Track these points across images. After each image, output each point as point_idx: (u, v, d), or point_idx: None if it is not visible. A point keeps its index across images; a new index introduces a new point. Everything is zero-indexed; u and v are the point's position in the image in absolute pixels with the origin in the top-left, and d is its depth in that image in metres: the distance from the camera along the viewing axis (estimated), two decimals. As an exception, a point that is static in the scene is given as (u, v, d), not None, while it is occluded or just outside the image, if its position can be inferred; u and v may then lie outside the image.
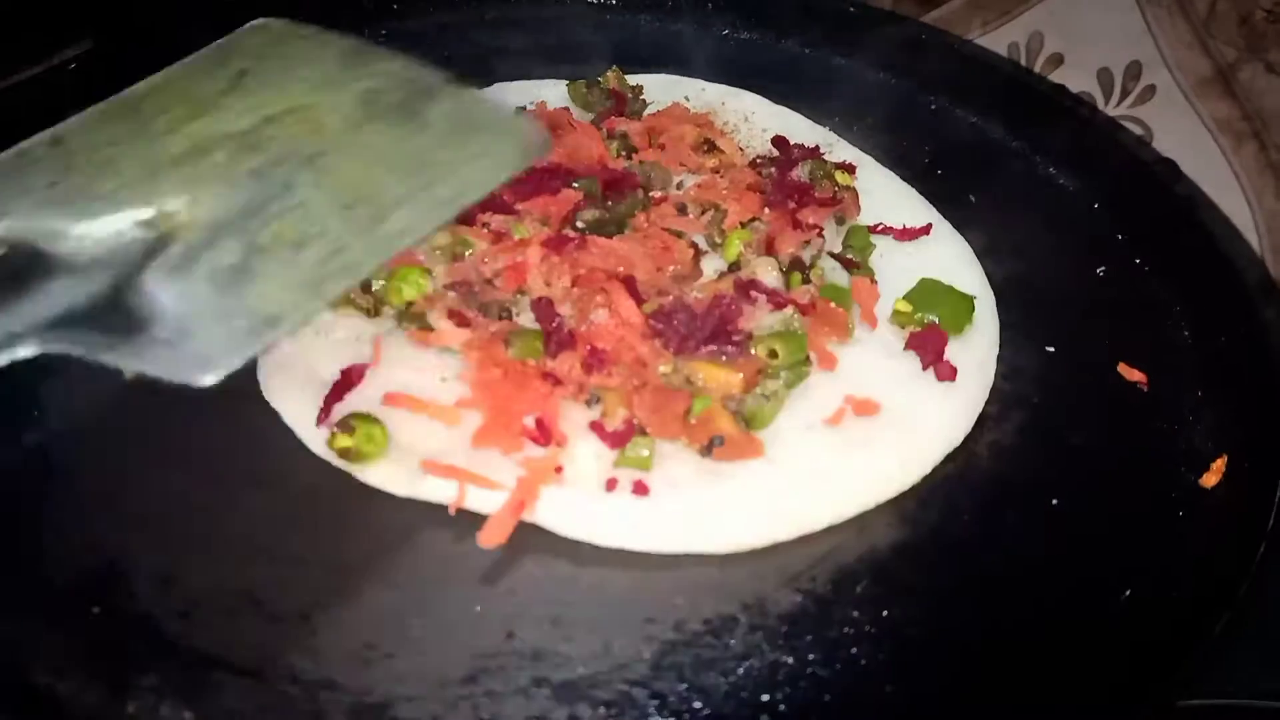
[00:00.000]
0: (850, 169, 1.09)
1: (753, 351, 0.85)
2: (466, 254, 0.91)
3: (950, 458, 0.85)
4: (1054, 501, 0.83)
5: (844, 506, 0.79)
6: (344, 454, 0.77)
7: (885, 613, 0.74)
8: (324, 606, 0.71)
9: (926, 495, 0.82)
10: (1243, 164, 1.49)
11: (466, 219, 0.94)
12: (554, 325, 0.85)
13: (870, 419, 0.85)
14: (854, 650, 0.72)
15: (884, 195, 1.08)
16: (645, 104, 1.18)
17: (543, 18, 1.38)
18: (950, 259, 1.01)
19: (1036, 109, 1.22)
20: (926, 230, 1.03)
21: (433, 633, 0.71)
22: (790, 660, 0.71)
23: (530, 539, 0.76)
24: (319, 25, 1.29)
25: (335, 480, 0.79)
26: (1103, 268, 1.05)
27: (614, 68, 1.20)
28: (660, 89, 1.20)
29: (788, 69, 1.31)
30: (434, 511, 0.77)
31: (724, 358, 0.84)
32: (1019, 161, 1.20)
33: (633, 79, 1.21)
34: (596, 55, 1.28)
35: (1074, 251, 1.07)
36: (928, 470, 0.83)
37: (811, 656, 0.71)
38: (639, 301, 0.87)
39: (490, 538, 0.74)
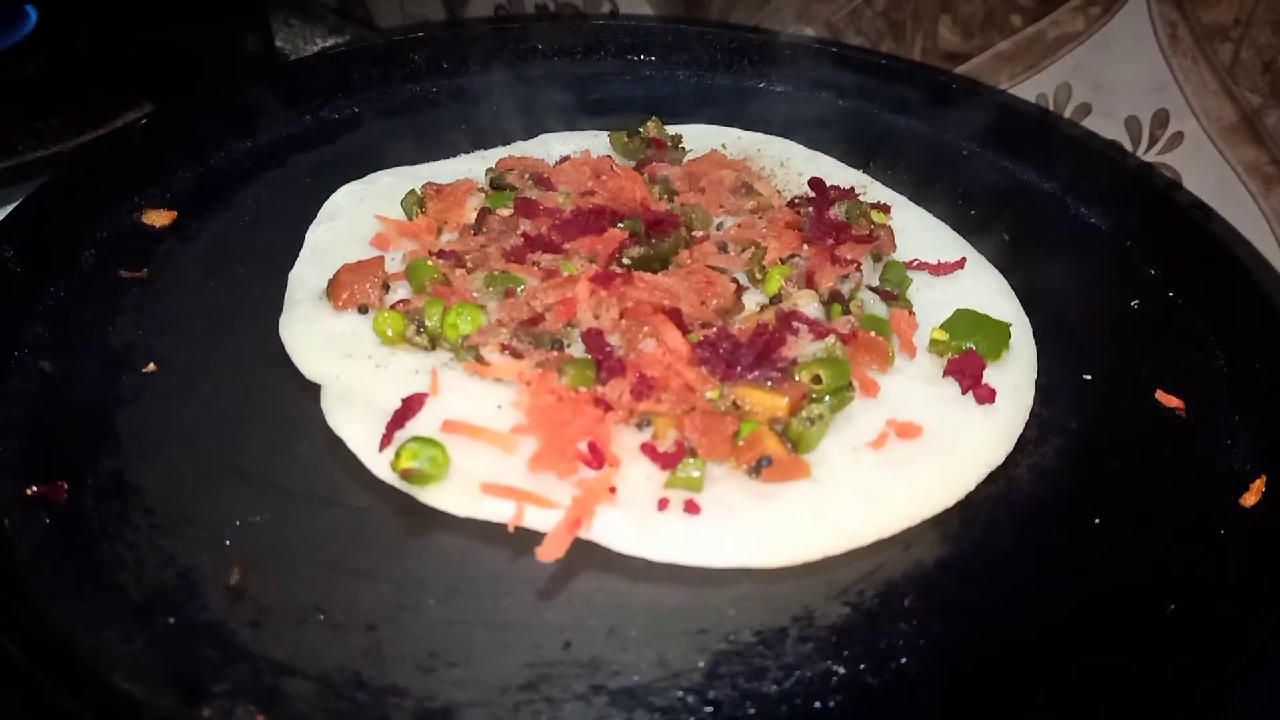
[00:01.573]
0: (885, 208, 1.12)
1: (797, 378, 0.87)
2: (518, 290, 0.95)
3: (992, 479, 0.87)
4: (1096, 520, 0.84)
5: (889, 523, 0.82)
6: (406, 475, 0.80)
7: (932, 625, 0.76)
8: (389, 618, 0.74)
9: (970, 514, 0.84)
10: (1272, 206, 1.51)
11: (517, 257, 0.98)
12: (604, 354, 0.88)
13: (912, 441, 0.87)
14: (903, 660, 0.73)
15: (918, 233, 1.11)
16: (684, 151, 1.22)
17: (585, 74, 1.44)
18: (985, 291, 1.03)
19: (1067, 153, 1.26)
20: (961, 264, 1.06)
21: (493, 642, 0.73)
22: (841, 670, 0.73)
23: (586, 555, 0.78)
24: (384, 82, 1.37)
25: (398, 501, 0.82)
26: (1136, 301, 1.08)
27: (653, 118, 1.24)
28: (697, 138, 1.25)
29: (821, 120, 1.35)
30: (493, 530, 0.80)
31: (769, 383, 0.87)
32: (1051, 203, 1.23)
33: (671, 129, 1.26)
34: (637, 108, 1.33)
35: (1108, 286, 1.10)
36: (970, 488, 0.85)
37: (862, 666, 0.73)
38: (684, 331, 0.90)
39: (548, 552, 0.77)
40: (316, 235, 1.07)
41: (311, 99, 1.32)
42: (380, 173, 1.16)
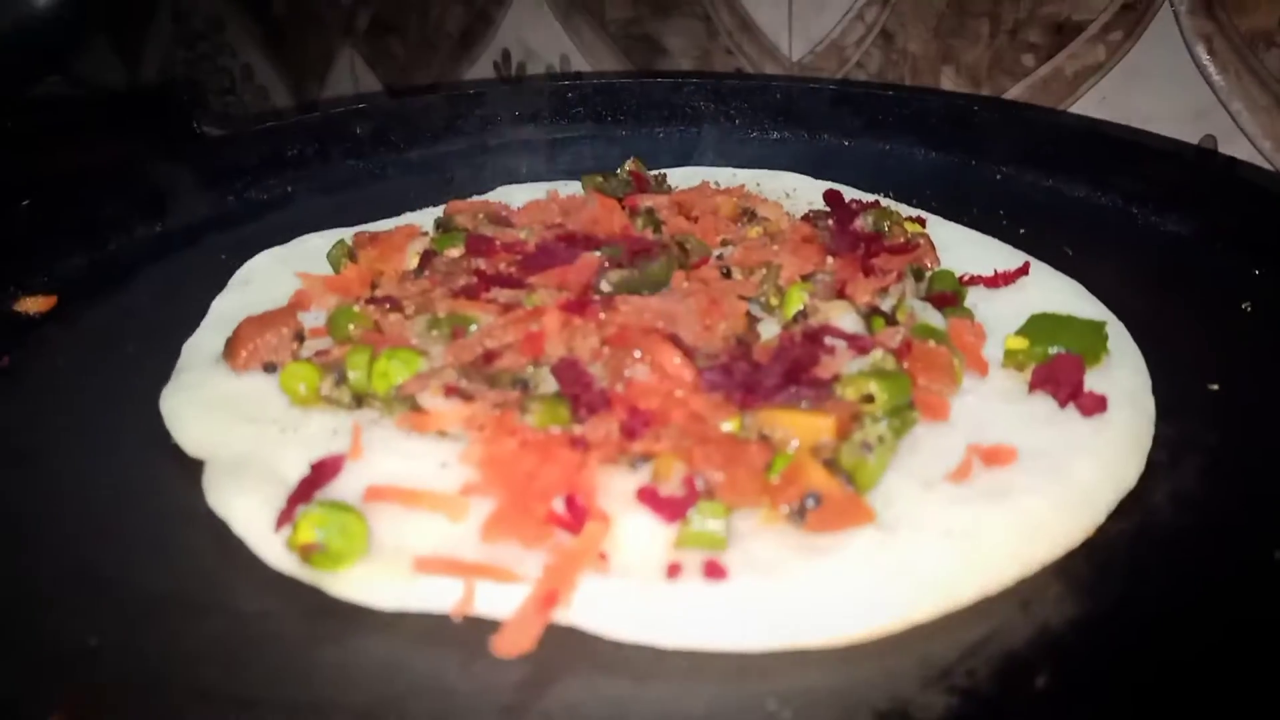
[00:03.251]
0: (920, 220, 0.92)
1: (840, 395, 0.65)
2: (469, 330, 0.73)
3: (1123, 513, 0.64)
4: (1278, 554, 0.60)
5: (995, 573, 0.58)
6: (308, 556, 0.57)
7: (1082, 712, 0.51)
8: (279, 762, 0.50)
9: (1103, 559, 0.61)
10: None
11: (470, 294, 0.77)
12: (583, 385, 0.66)
13: (1006, 469, 0.64)
14: (1051, 764, 0.49)
15: (963, 247, 0.91)
16: (671, 189, 1.03)
17: (552, 139, 1.26)
18: (1060, 297, 0.82)
19: (1122, 159, 1.06)
20: (1025, 270, 0.85)
21: (435, 786, 0.48)
22: (960, 784, 0.48)
23: (570, 649, 0.55)
24: (322, 158, 1.19)
25: (301, 601, 0.58)
26: (1247, 303, 0.86)
27: (633, 158, 1.05)
28: (685, 178, 1.05)
29: (826, 161, 1.16)
30: (435, 628, 0.56)
31: (804, 404, 0.64)
32: (1112, 214, 1.03)
33: (656, 172, 1.06)
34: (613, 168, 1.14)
35: (1207, 292, 0.89)
36: (1099, 519, 0.62)
37: (995, 776, 0.48)
38: (687, 355, 0.68)
39: (510, 644, 0.53)
40: (224, 303, 0.86)
41: (235, 178, 1.13)
42: (308, 235, 0.96)
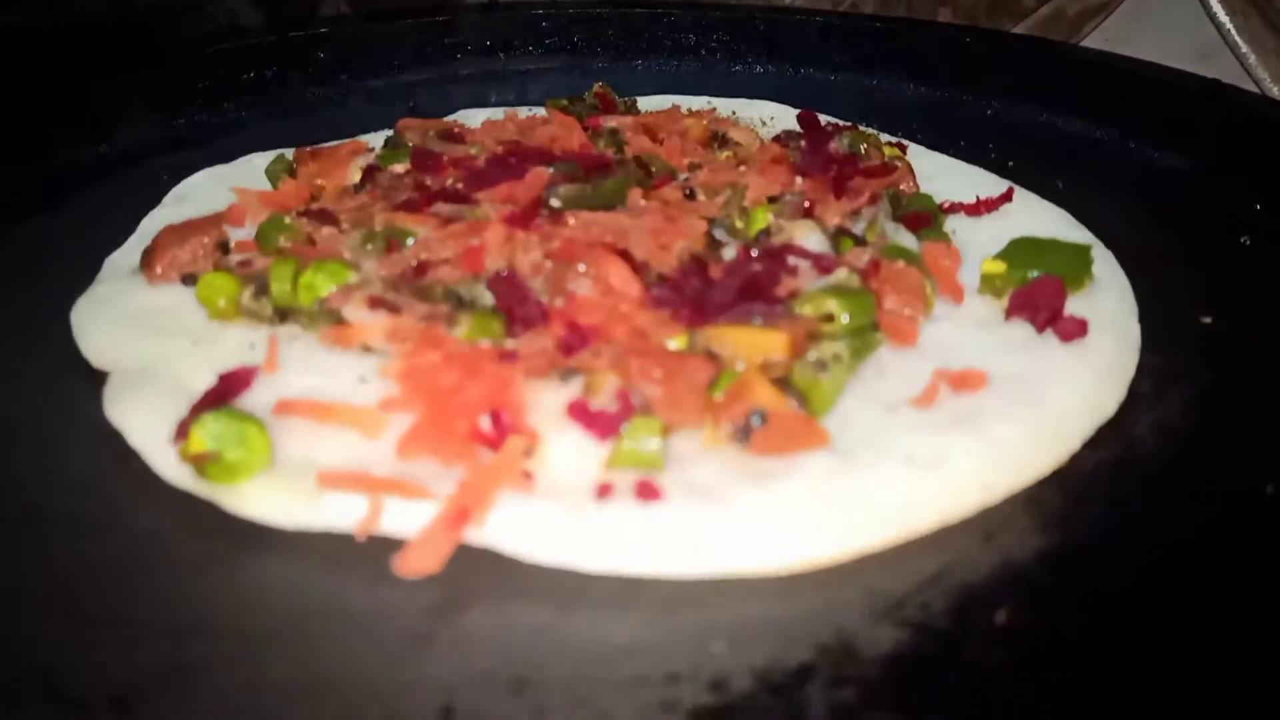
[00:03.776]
0: (901, 146, 0.87)
1: (798, 312, 0.60)
2: (405, 245, 0.68)
3: (1102, 442, 0.59)
4: (1270, 488, 0.55)
5: (956, 501, 0.53)
6: (200, 466, 0.52)
7: (1045, 651, 0.46)
8: (155, 686, 0.45)
9: (1078, 490, 0.56)
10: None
11: (410, 208, 0.72)
12: (519, 299, 0.61)
13: (976, 394, 0.59)
14: (1006, 703, 0.44)
15: (947, 176, 0.85)
16: (640, 112, 0.97)
17: (525, 69, 1.20)
18: (1045, 222, 0.77)
19: (1119, 91, 1.00)
20: (1008, 196, 0.80)
21: (329, 711, 0.44)
22: (906, 724, 0.43)
23: (484, 572, 0.50)
24: (280, 83, 1.13)
25: (198, 519, 0.53)
26: (1246, 237, 0.81)
27: (602, 83, 0.99)
28: (658, 105, 0.99)
29: (811, 96, 1.10)
30: (338, 549, 0.51)
31: (757, 321, 0.59)
32: (1107, 148, 0.98)
33: (627, 98, 1.01)
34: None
35: (1204, 226, 0.84)
36: (1073, 447, 0.57)
37: (948, 715, 0.43)
38: (636, 271, 0.63)
39: (413, 562, 0.48)
40: (155, 220, 0.80)
41: (186, 101, 1.08)
42: (254, 155, 0.91)
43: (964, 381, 0.59)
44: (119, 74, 1.09)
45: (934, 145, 0.94)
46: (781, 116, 0.97)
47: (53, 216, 0.89)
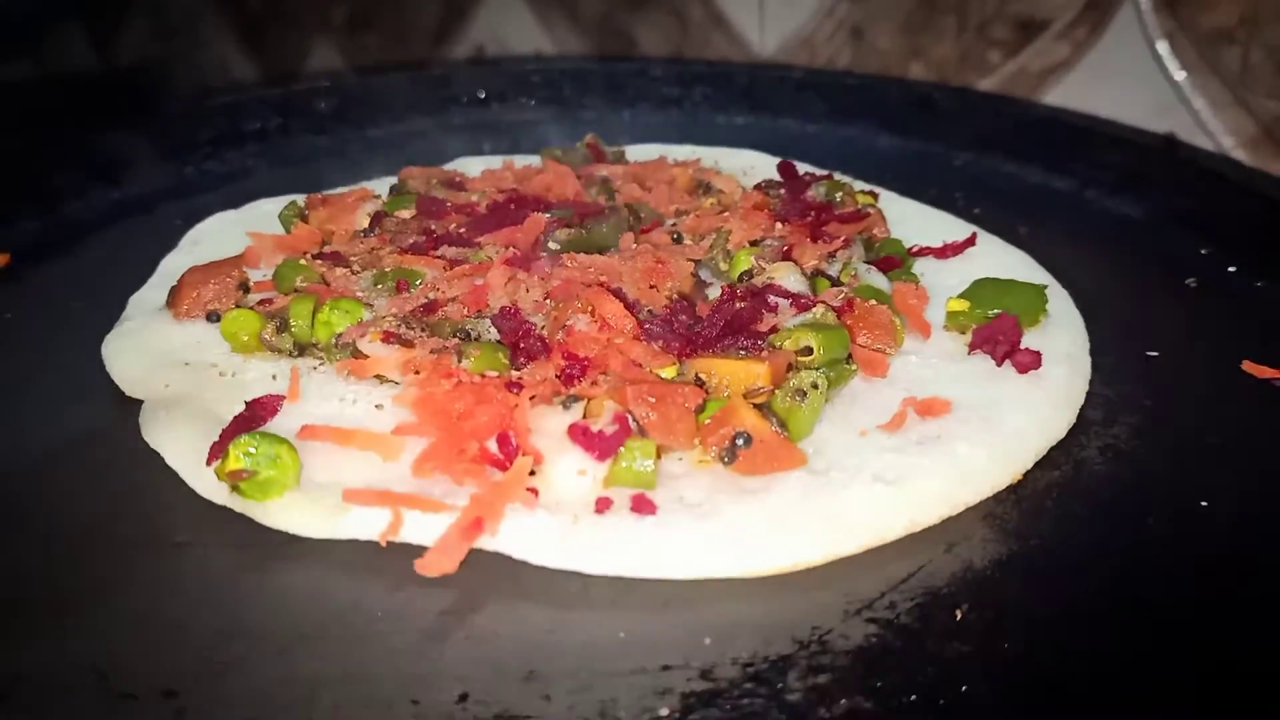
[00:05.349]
0: (873, 194, 0.93)
1: (778, 345, 0.65)
2: (414, 285, 0.74)
3: (1053, 463, 0.65)
4: (1204, 504, 0.61)
5: (921, 512, 0.58)
6: (237, 483, 0.57)
7: (998, 644, 0.52)
8: (201, 678, 0.49)
9: (1031, 506, 0.62)
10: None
11: (418, 251, 0.77)
12: (522, 333, 0.67)
13: (940, 419, 0.64)
14: (964, 688, 0.49)
15: (916, 221, 0.91)
16: (628, 161, 1.03)
17: (516, 120, 1.27)
18: (1007, 266, 0.83)
19: (1077, 145, 1.07)
20: (971, 241, 0.86)
21: (353, 700, 0.48)
22: (871, 705, 0.48)
23: (494, 576, 0.55)
24: (282, 132, 1.19)
25: (230, 532, 0.58)
26: (1193, 279, 0.87)
27: (592, 134, 1.05)
28: (644, 155, 1.06)
29: (789, 146, 1.17)
30: (362, 558, 0.57)
31: (741, 354, 0.64)
32: (1066, 197, 1.05)
33: (615, 148, 1.07)
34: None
35: (1156, 270, 0.90)
36: (1027, 465, 0.62)
37: (909, 699, 0.48)
38: (629, 309, 0.69)
39: (433, 564, 0.53)
40: (172, 262, 0.86)
41: (194, 149, 1.13)
42: (261, 200, 0.96)
43: (929, 408, 0.65)
44: (129, 124, 1.15)
45: (905, 193, 1.01)
46: (761, 165, 1.04)
47: (71, 260, 0.94)
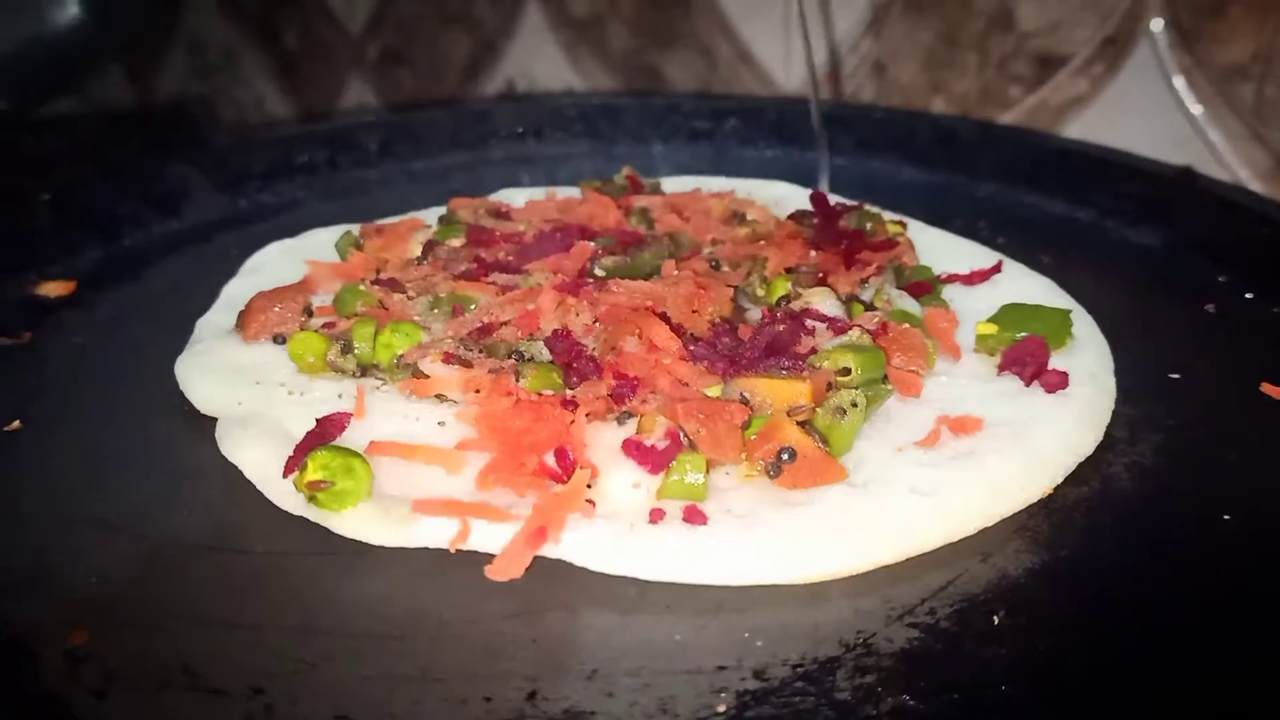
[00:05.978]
0: (901, 224, 0.97)
1: (819, 366, 0.69)
2: (469, 309, 0.77)
3: (1082, 479, 0.68)
4: (1226, 517, 0.64)
5: (957, 525, 0.62)
6: (315, 493, 0.61)
7: (1039, 644, 0.55)
8: (284, 675, 0.53)
9: (1061, 519, 0.65)
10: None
11: (470, 278, 0.81)
12: (575, 354, 0.70)
13: (973, 436, 0.68)
14: (1002, 688, 0.52)
15: (944, 249, 0.95)
16: (664, 193, 1.07)
17: (552, 154, 1.31)
18: (1032, 290, 0.86)
19: (1098, 177, 1.11)
20: (998, 268, 0.89)
21: (428, 698, 0.52)
22: (914, 703, 0.51)
23: (557, 583, 0.59)
24: (331, 166, 1.24)
25: (306, 540, 0.62)
26: (1211, 305, 0.90)
27: (628, 166, 1.10)
28: (679, 187, 1.10)
29: (818, 178, 1.21)
30: (432, 564, 0.60)
31: (784, 373, 0.68)
32: (1087, 227, 1.08)
33: (651, 181, 1.11)
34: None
35: (1176, 296, 0.94)
36: (1057, 479, 0.66)
37: (952, 698, 0.52)
38: (675, 332, 0.72)
39: (501, 570, 0.56)
40: (235, 288, 0.90)
41: (247, 182, 1.18)
42: (315, 230, 1.00)
43: (962, 426, 0.68)
44: (184, 158, 1.20)
45: (931, 224, 1.04)
46: (792, 196, 1.07)
47: (135, 288, 0.98)
